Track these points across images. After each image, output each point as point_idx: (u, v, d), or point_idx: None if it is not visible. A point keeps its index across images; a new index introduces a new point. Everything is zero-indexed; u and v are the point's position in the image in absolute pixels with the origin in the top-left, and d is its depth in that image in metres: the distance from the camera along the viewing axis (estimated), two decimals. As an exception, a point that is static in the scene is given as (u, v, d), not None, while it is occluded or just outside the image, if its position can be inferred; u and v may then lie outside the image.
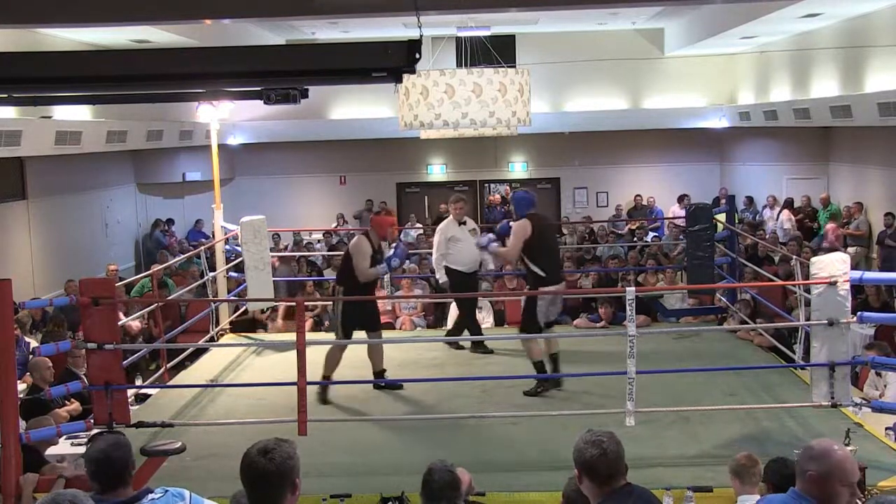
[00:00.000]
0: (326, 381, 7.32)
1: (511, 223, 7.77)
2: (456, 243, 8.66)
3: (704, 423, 6.57)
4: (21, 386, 7.05)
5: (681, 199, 17.98)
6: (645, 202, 18.53)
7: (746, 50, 16.53)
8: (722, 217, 9.78)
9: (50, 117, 10.95)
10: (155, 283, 9.88)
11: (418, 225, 17.90)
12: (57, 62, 4.47)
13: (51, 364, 7.28)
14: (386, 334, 10.60)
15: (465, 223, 8.77)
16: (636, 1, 11.12)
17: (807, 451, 3.08)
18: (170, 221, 17.74)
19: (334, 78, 4.66)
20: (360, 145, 18.48)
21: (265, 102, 4.25)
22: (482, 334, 9.11)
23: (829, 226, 14.65)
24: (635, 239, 15.15)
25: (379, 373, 7.65)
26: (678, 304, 10.50)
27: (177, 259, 12.30)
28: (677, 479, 5.43)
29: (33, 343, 8.79)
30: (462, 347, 8.91)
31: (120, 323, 6.83)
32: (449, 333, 9.20)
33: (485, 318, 10.91)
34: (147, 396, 7.82)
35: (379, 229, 7.63)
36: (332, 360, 7.39)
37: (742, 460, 4.50)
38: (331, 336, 10.60)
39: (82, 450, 3.74)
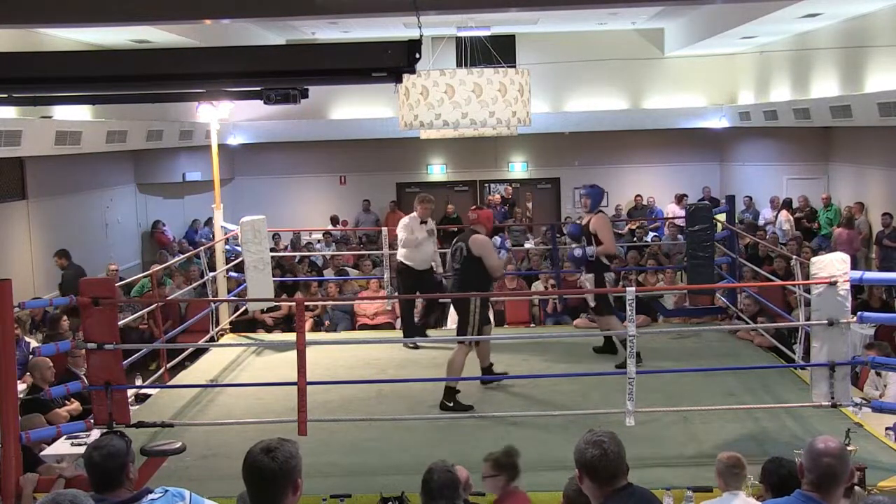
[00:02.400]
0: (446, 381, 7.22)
1: (578, 223, 8.33)
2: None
3: (704, 423, 6.58)
4: (21, 386, 7.05)
5: (678, 198, 17.98)
6: (645, 202, 18.53)
7: (746, 50, 16.52)
8: (722, 217, 9.77)
9: (50, 117, 10.94)
10: (154, 283, 9.89)
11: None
12: (57, 62, 4.46)
13: (51, 364, 7.28)
14: (387, 334, 10.67)
15: (425, 223, 8.91)
16: (636, 1, 11.11)
17: (808, 449, 3.08)
18: (157, 223, 17.58)
19: (334, 78, 4.64)
20: (360, 145, 18.46)
21: (265, 102, 4.24)
22: (425, 334, 9.29)
23: (852, 232, 14.03)
24: (635, 239, 15.15)
25: (486, 368, 7.65)
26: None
27: (177, 259, 12.29)
28: (677, 479, 5.44)
29: (33, 343, 8.79)
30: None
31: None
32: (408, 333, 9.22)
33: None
34: (147, 396, 7.82)
35: (488, 223, 7.59)
36: (459, 365, 7.21)
37: (726, 460, 4.52)
38: (328, 336, 10.65)
39: (82, 450, 3.74)
